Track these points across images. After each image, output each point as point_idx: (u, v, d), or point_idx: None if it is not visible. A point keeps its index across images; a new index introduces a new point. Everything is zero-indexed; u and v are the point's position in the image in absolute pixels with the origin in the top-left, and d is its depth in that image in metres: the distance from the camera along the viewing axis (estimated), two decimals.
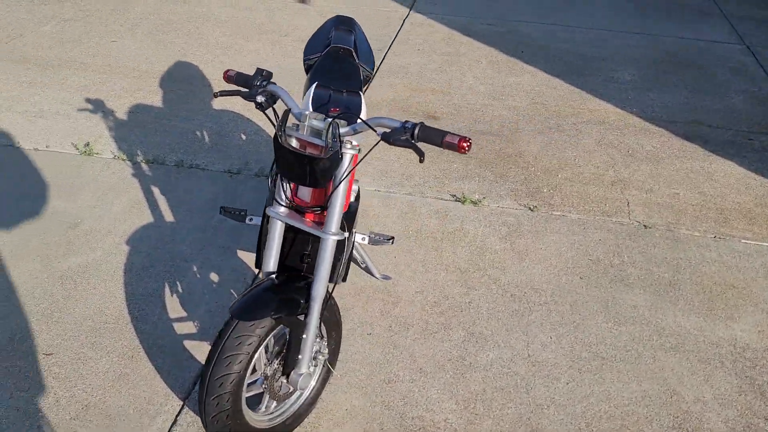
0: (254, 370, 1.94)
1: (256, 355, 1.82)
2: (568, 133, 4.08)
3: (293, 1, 6.28)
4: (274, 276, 1.92)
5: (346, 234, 1.92)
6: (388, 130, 1.73)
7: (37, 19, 5.50)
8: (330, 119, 1.78)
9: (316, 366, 2.08)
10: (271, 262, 1.97)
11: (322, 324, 2.05)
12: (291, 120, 1.89)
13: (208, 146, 3.73)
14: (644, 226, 3.22)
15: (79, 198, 3.19)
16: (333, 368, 2.20)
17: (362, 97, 2.14)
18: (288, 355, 1.90)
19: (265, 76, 1.95)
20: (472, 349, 2.49)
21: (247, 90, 1.93)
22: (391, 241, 2.57)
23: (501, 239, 3.07)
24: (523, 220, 3.22)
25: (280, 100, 1.93)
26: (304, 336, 1.90)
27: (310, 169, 1.78)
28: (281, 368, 1.93)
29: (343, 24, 2.86)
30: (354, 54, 2.63)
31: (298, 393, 2.09)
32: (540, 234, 3.13)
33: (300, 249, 2.15)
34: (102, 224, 3.02)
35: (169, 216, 3.10)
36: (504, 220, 3.21)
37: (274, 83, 1.96)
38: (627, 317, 2.67)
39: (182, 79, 4.51)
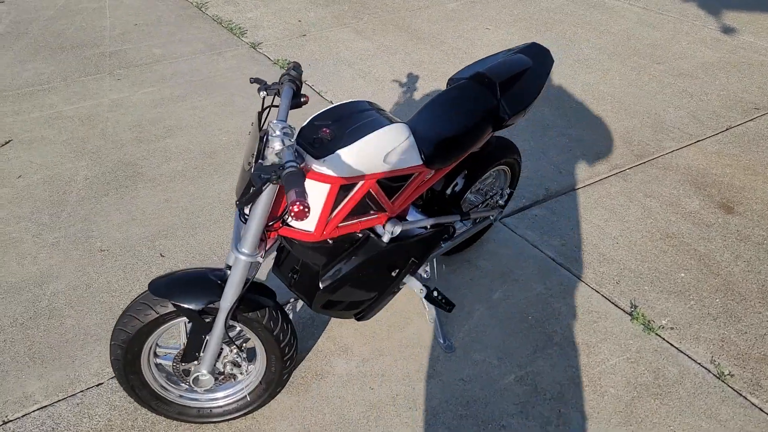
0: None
1: (162, 329, 1.88)
2: None
3: (717, 34, 5.33)
4: (222, 268, 1.90)
5: (260, 260, 1.76)
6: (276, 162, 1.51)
7: None
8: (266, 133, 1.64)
9: (228, 377, 2.01)
10: (232, 257, 1.95)
11: (257, 341, 1.96)
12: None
13: None
14: None
15: None
16: (259, 402, 2.09)
17: (390, 128, 1.84)
18: (186, 348, 1.90)
19: (291, 75, 1.87)
20: None
21: (265, 82, 1.89)
22: (448, 308, 2.22)
23: (627, 385, 2.26)
24: (687, 380, 2.28)
25: None
26: (207, 338, 1.87)
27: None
28: (180, 356, 1.94)
29: (527, 53, 2.42)
30: (496, 88, 2.22)
31: (205, 393, 2.07)
32: (691, 407, 2.18)
33: (291, 263, 2.07)
34: None
35: None
36: (662, 366, 2.33)
37: (293, 83, 1.85)
38: None
39: None
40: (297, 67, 1.94)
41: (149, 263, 2.76)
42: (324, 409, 2.17)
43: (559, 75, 4.52)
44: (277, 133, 1.64)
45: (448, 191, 2.42)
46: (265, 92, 1.84)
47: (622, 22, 5.47)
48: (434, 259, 2.76)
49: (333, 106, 1.91)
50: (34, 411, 2.13)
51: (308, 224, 1.82)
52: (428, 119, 2.15)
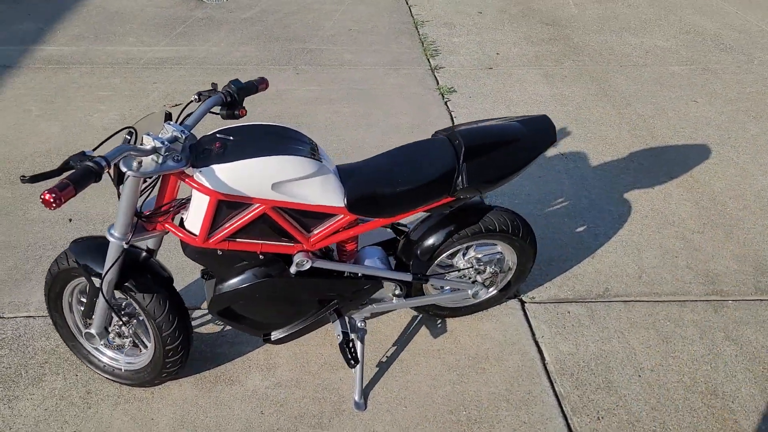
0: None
1: (76, 281, 2.14)
2: None
3: None
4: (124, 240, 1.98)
5: (125, 245, 1.87)
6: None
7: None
8: (131, 132, 1.76)
9: (119, 342, 2.17)
10: None
11: (140, 316, 2.11)
12: None
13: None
14: None
15: None
16: (145, 379, 2.22)
17: (286, 158, 1.80)
18: (85, 306, 2.11)
19: (230, 89, 1.98)
20: None
21: (215, 89, 2.01)
22: (350, 364, 2.14)
23: None
24: None
25: None
26: (96, 301, 2.07)
27: None
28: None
29: (528, 124, 2.12)
30: (461, 152, 2.01)
31: (108, 351, 2.27)
32: None
33: None
34: None
35: None
36: None
37: (226, 96, 1.96)
38: None
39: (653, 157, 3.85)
40: (249, 82, 2.02)
41: None
42: (210, 411, 2.23)
43: (737, 167, 3.75)
44: (168, 134, 1.75)
45: (422, 246, 2.25)
46: (196, 96, 1.95)
47: None
48: (419, 316, 2.59)
49: (253, 123, 1.94)
50: (21, 317, 2.57)
51: (194, 228, 1.89)
52: (373, 166, 2.05)
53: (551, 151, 3.85)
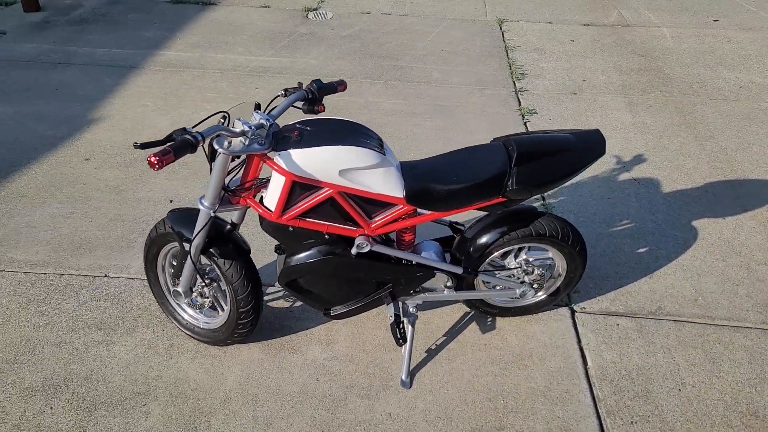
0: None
1: (170, 245, 2.48)
2: None
3: None
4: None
5: (211, 213, 2.18)
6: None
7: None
8: (225, 116, 2.07)
9: (200, 302, 2.49)
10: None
11: (220, 280, 2.42)
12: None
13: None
14: None
15: None
16: (218, 339, 2.52)
17: (352, 149, 2.06)
18: (175, 267, 2.45)
19: (311, 87, 2.28)
20: None
21: (298, 87, 2.31)
22: (398, 342, 2.37)
23: None
24: None
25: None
26: (185, 262, 2.41)
27: None
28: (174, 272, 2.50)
29: (580, 136, 2.27)
30: (513, 156, 2.20)
31: (190, 310, 2.58)
32: None
33: None
34: None
35: None
36: None
37: (307, 93, 2.26)
38: None
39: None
40: (329, 82, 2.31)
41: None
42: (272, 374, 2.50)
43: None
44: (256, 121, 2.06)
45: (475, 243, 2.44)
46: (283, 91, 2.27)
47: None
48: (471, 312, 2.77)
49: (329, 117, 2.22)
50: (122, 277, 2.96)
51: (271, 204, 2.18)
52: (433, 164, 2.27)
53: (622, 175, 3.93)
